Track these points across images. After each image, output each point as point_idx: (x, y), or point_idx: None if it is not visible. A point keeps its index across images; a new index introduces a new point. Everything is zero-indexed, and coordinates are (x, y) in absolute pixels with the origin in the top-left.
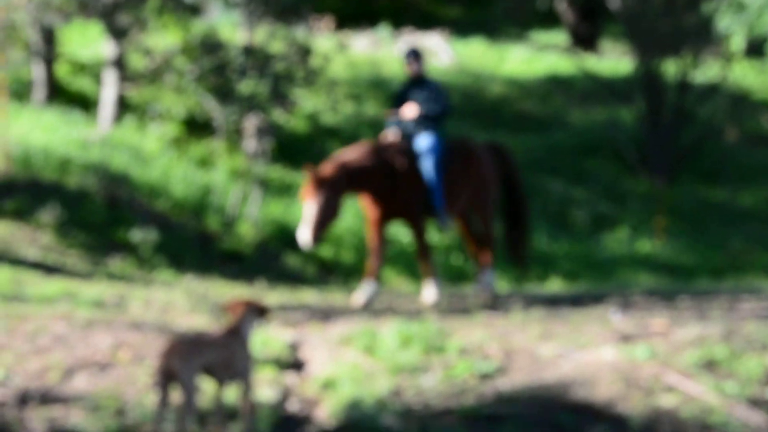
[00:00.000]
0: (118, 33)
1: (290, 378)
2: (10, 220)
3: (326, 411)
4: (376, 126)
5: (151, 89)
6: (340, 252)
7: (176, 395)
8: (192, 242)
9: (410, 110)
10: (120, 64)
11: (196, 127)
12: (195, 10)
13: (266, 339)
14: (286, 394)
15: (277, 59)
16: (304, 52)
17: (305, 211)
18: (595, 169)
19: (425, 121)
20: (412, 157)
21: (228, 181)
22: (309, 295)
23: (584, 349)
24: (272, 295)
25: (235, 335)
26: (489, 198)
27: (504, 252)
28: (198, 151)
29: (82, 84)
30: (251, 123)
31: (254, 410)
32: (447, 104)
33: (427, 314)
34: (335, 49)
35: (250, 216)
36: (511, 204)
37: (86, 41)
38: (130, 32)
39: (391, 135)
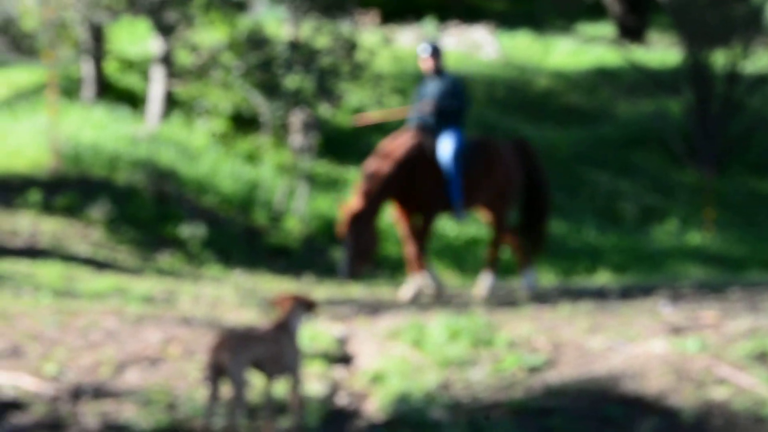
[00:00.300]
0: (165, 29)
1: (339, 372)
2: (60, 217)
3: (375, 405)
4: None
5: (198, 85)
6: (386, 245)
7: (226, 390)
8: (239, 237)
9: (425, 105)
10: (167, 60)
11: (243, 122)
12: (241, 6)
13: (314, 333)
14: (334, 388)
15: (322, 54)
16: (350, 46)
17: (343, 248)
18: (642, 162)
19: (444, 117)
20: (432, 152)
21: (275, 176)
22: (356, 289)
23: (634, 341)
24: (320, 290)
25: (284, 330)
26: (509, 197)
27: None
28: (245, 146)
29: (130, 81)
30: (297, 118)
31: (303, 404)
32: (464, 98)
33: (474, 307)
34: (380, 43)
35: (297, 211)
36: (534, 201)
37: (134, 38)
38: (178, 29)
39: (409, 132)
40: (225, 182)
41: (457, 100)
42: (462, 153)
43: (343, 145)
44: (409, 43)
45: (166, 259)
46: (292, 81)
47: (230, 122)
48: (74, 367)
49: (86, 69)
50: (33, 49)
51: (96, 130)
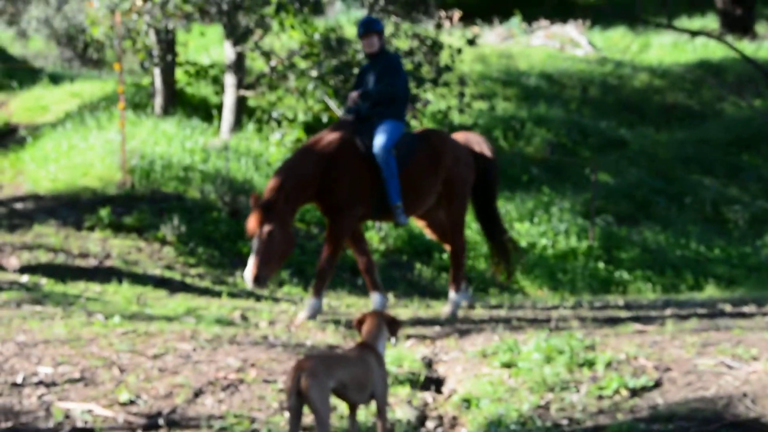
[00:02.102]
0: (238, 36)
1: (427, 396)
2: (131, 235)
3: (466, 430)
4: (508, 123)
5: (272, 92)
6: (474, 261)
7: (308, 416)
8: (318, 254)
9: (351, 97)
10: (240, 68)
11: (319, 130)
12: (316, 9)
13: (400, 355)
14: (423, 413)
15: (403, 56)
16: (432, 48)
17: (252, 247)
18: (752, 165)
19: (379, 106)
20: (365, 147)
21: None
22: (442, 308)
23: (748, 361)
24: (403, 309)
25: (369, 351)
26: (460, 197)
27: (496, 260)
28: None
29: (201, 91)
30: None
31: (391, 430)
32: (396, 83)
33: (572, 326)
34: (464, 43)
35: (378, 225)
36: (484, 204)
37: (206, 46)
38: (251, 35)
39: (339, 126)
40: None
41: (392, 86)
42: (395, 146)
43: None
44: (494, 43)
45: (241, 278)
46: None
47: (306, 131)
48: (148, 393)
49: (156, 79)
50: (101, 61)
51: (167, 143)
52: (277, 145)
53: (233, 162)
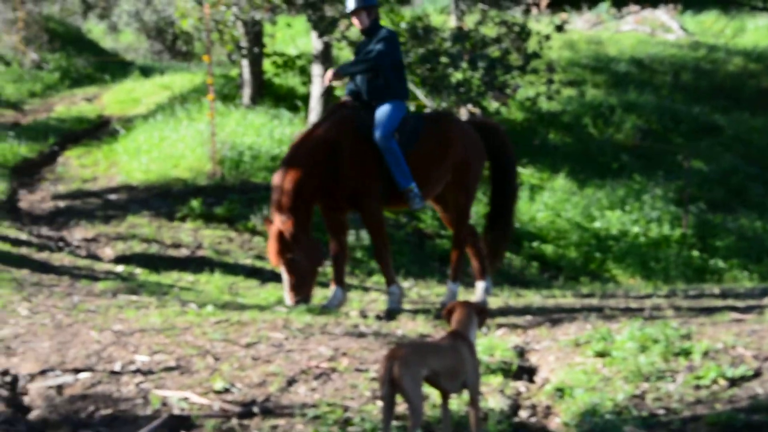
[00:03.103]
0: (324, 26)
1: (519, 385)
2: (222, 225)
3: (560, 419)
4: (598, 110)
5: None
6: (564, 250)
7: (401, 405)
8: (407, 244)
9: (327, 74)
10: (327, 57)
11: None
12: None
13: (491, 344)
14: (516, 402)
15: (490, 44)
16: (520, 34)
17: (282, 275)
18: None
19: (376, 87)
20: (366, 130)
21: None
22: (533, 297)
23: None
24: (494, 298)
25: (461, 340)
26: (469, 184)
27: (484, 244)
28: None
29: (289, 81)
30: (464, 113)
31: (483, 419)
32: (377, 52)
33: (666, 315)
34: (552, 30)
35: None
36: (498, 191)
37: (293, 37)
38: (337, 25)
39: (339, 109)
40: None
41: (371, 52)
42: (397, 130)
43: (514, 141)
44: (584, 28)
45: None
46: (458, 74)
47: None
48: (242, 381)
49: (244, 71)
50: (189, 53)
51: (255, 133)
52: None
53: None
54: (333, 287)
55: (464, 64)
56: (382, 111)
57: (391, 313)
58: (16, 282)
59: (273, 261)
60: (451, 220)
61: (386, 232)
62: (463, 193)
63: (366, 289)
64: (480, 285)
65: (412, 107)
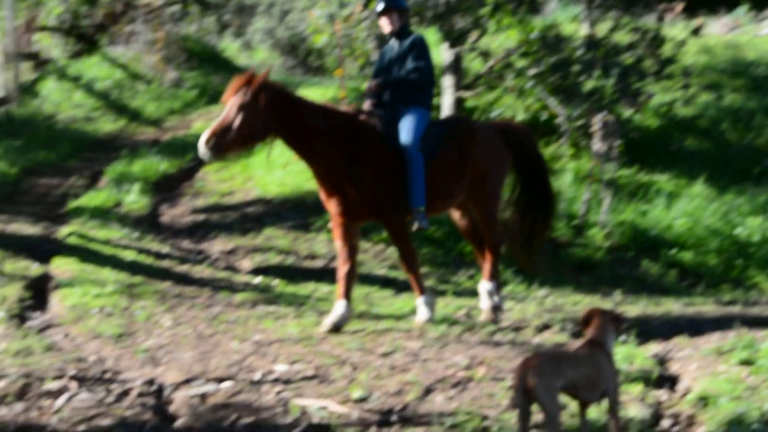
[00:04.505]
0: (454, 38)
1: (660, 394)
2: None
3: (704, 429)
4: (737, 115)
5: (490, 92)
6: (704, 257)
7: (538, 413)
8: (541, 252)
9: (371, 85)
10: (457, 69)
11: (539, 129)
12: (533, 7)
13: (630, 353)
14: (657, 412)
15: (623, 51)
16: (655, 41)
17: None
18: None
19: (402, 93)
20: (388, 140)
21: (575, 185)
22: (672, 305)
23: None
24: (631, 306)
25: (598, 349)
26: (492, 191)
27: (520, 249)
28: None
29: None
30: (598, 121)
31: (623, 429)
32: (420, 68)
33: None
34: (687, 35)
35: (601, 221)
36: (529, 197)
37: None
38: (467, 36)
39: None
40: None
41: (415, 71)
42: (422, 138)
43: (649, 148)
44: (721, 33)
45: (464, 278)
46: (591, 82)
47: None
48: (380, 390)
49: None
50: (321, 68)
51: None
52: None
53: None
54: (339, 301)
55: (597, 72)
56: (410, 117)
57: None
58: (160, 294)
59: (224, 97)
60: (482, 227)
61: (412, 241)
62: (486, 199)
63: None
64: (484, 286)
65: (544, 116)
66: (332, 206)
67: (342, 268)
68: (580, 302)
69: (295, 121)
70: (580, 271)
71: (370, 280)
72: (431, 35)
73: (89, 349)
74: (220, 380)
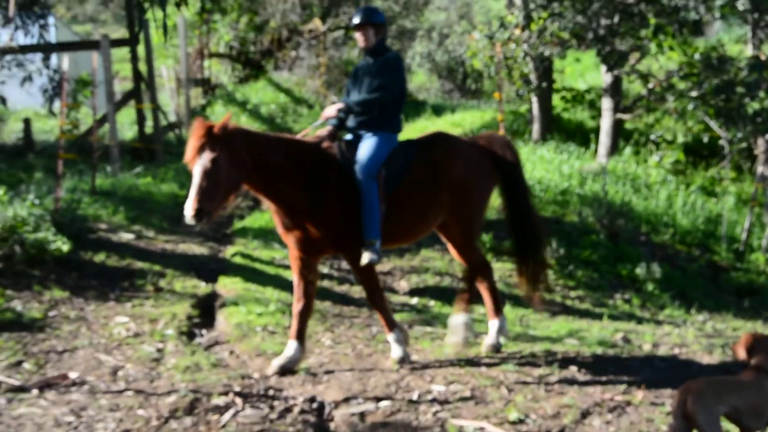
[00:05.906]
0: (614, 60)
1: None
2: (512, 258)
3: None
4: None
5: (649, 115)
6: None
7: None
8: (700, 276)
9: (331, 110)
10: (617, 91)
11: (700, 152)
12: (696, 30)
13: None
14: None
15: None
16: None
17: (193, 178)
18: None
19: (365, 116)
20: (347, 169)
21: (738, 208)
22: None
23: None
24: None
25: (764, 375)
26: (472, 210)
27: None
28: (703, 177)
29: (578, 115)
30: (761, 144)
31: None
32: (386, 86)
33: None
34: None
35: (764, 246)
36: (514, 214)
37: (581, 71)
38: (627, 58)
39: (323, 139)
40: (682, 217)
41: (379, 90)
42: (384, 164)
43: None
44: None
45: (621, 301)
46: (755, 104)
47: (685, 152)
48: (536, 413)
49: (534, 106)
50: (479, 90)
51: (544, 168)
52: (656, 167)
53: (610, 185)
54: (291, 342)
55: (762, 94)
56: (367, 145)
57: (403, 361)
58: (320, 314)
59: (187, 158)
60: (457, 247)
61: (377, 277)
62: (465, 217)
63: (658, 323)
64: (494, 324)
65: (706, 138)
66: (291, 241)
67: (296, 305)
68: (740, 328)
69: (262, 161)
70: (741, 296)
71: (525, 302)
72: (589, 58)
73: (253, 366)
74: (379, 399)
